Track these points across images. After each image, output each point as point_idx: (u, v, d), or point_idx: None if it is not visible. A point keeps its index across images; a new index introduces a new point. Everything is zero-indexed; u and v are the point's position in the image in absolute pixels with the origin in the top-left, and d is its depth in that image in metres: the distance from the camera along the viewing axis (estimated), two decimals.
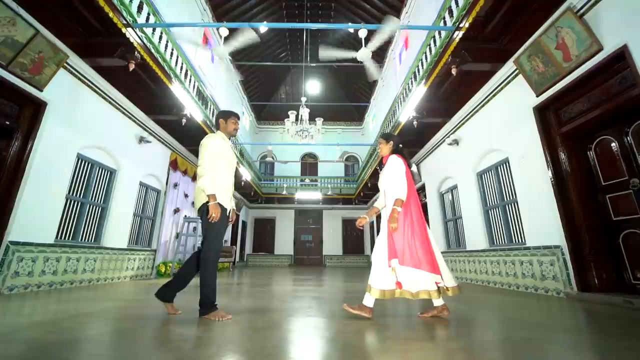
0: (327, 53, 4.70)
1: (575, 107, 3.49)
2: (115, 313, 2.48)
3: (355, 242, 14.99)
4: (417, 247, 2.15)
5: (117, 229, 5.37)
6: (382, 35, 4.08)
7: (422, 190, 7.99)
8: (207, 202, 2.20)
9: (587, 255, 3.31)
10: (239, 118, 2.62)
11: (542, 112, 3.86)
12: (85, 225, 4.75)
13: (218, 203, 2.21)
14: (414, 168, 7.97)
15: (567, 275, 3.43)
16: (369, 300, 2.17)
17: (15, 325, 2.02)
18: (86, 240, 4.79)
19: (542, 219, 3.83)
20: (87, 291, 3.89)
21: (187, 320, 2.12)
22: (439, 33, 4.97)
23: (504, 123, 4.54)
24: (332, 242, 15.03)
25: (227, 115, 2.54)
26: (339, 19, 11.88)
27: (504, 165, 4.74)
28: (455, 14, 4.40)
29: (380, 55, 10.80)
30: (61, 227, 4.28)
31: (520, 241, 4.38)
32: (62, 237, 4.33)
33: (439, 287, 2.13)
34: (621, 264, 3.19)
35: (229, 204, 2.37)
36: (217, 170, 2.29)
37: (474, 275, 5.34)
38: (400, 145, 2.51)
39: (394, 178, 2.29)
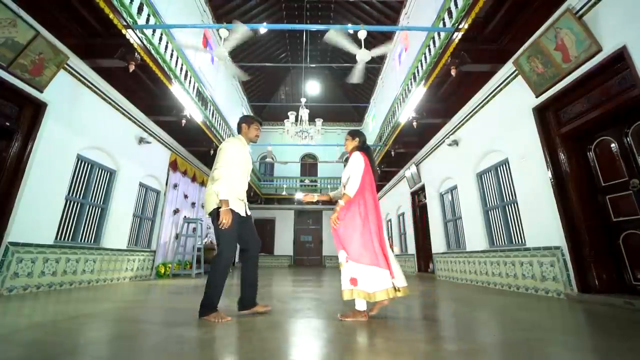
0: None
1: (574, 108, 3.49)
2: (115, 314, 2.47)
3: None
4: (375, 245, 2.18)
5: (117, 229, 5.37)
6: (385, 49, 4.23)
7: (422, 190, 8.00)
8: (219, 207, 2.19)
9: (587, 256, 3.31)
10: (261, 124, 2.65)
11: (541, 113, 3.86)
12: (84, 226, 4.75)
13: (230, 209, 2.20)
14: (413, 169, 7.96)
15: (567, 276, 3.42)
16: (360, 305, 2.17)
17: (14, 326, 2.02)
18: (86, 241, 4.78)
19: (542, 220, 3.83)
20: (86, 292, 3.88)
21: (187, 321, 2.12)
22: (438, 34, 4.98)
23: (504, 124, 4.54)
24: (331, 242, 14.87)
25: (250, 121, 2.54)
26: (339, 20, 11.89)
27: (504, 165, 4.74)
28: (454, 15, 4.40)
29: (379, 55, 10.80)
30: (61, 228, 4.27)
31: (520, 242, 4.38)
32: (62, 238, 4.32)
33: (394, 286, 2.15)
34: (621, 265, 3.19)
35: (242, 209, 2.37)
36: (232, 175, 2.28)
37: (474, 276, 5.34)
38: (367, 144, 2.56)
39: (350, 174, 2.33)
